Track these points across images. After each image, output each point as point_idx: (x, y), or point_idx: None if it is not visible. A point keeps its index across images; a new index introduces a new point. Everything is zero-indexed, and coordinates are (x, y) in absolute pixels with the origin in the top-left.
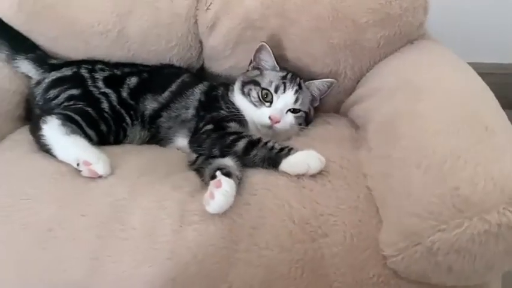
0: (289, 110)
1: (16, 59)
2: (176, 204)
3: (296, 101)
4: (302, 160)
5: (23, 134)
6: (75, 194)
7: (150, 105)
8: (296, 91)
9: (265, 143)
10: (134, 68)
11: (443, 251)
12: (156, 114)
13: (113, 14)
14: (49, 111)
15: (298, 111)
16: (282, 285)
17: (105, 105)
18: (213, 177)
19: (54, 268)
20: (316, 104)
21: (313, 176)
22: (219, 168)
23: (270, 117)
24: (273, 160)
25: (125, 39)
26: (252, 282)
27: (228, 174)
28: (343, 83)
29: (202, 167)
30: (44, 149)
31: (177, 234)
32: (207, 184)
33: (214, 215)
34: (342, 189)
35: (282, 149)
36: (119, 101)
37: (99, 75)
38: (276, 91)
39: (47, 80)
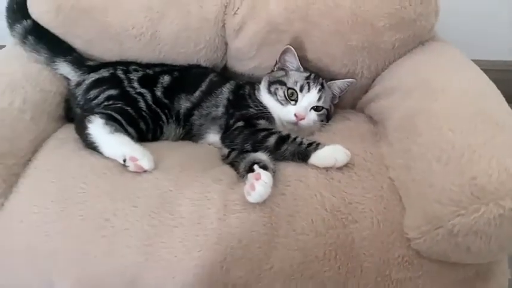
0: (313, 108)
1: (55, 62)
2: (218, 195)
3: (319, 99)
4: (330, 154)
5: (66, 133)
6: (125, 187)
7: (184, 104)
8: (319, 90)
9: (294, 139)
10: (164, 67)
11: (463, 233)
12: (189, 112)
13: (146, 19)
14: (90, 111)
15: (321, 109)
16: (317, 266)
17: (142, 104)
18: (250, 170)
19: (113, 254)
20: (335, 102)
21: (340, 168)
22: (256, 162)
23: (295, 115)
24: (302, 154)
25: (156, 41)
26: (291, 264)
27: (264, 167)
28: (360, 81)
29: (236, 161)
30: (91, 146)
31: (222, 222)
32: (242, 177)
33: (255, 205)
34: (367, 180)
35: (310, 144)
36: (153, 100)
37: (134, 76)
38: (301, 90)
39: (86, 81)
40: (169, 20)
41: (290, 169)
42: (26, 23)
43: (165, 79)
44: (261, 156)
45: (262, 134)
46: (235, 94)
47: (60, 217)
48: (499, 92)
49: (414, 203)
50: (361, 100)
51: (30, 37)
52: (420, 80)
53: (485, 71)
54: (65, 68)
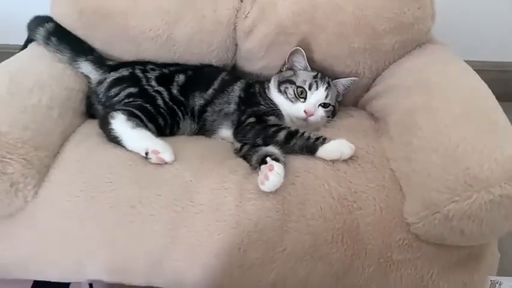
0: (320, 104)
1: (77, 61)
2: (235, 185)
3: (326, 96)
4: (336, 148)
5: (89, 127)
6: (149, 177)
7: (198, 101)
8: (326, 88)
9: (302, 134)
10: (179, 66)
11: (457, 217)
12: (203, 109)
13: (163, 22)
14: (112, 107)
15: (328, 106)
16: (326, 249)
17: (160, 101)
18: (263, 162)
19: (140, 238)
20: (340, 99)
21: (345, 160)
22: (268, 155)
23: (305, 111)
24: (310, 148)
25: (172, 43)
26: (302, 246)
27: (276, 159)
28: (361, 81)
29: (248, 154)
30: (114, 140)
31: (239, 208)
32: (254, 169)
33: (268, 193)
34: (370, 171)
35: (317, 139)
36: (170, 98)
37: (151, 75)
38: (309, 88)
39: (108, 80)
40: (185, 23)
41: (299, 161)
42: (48, 25)
43: (180, 78)
44: (273, 149)
45: (273, 129)
46: (246, 92)
47: (90, 204)
48: (489, 90)
49: (413, 191)
50: (362, 98)
51: (53, 38)
52: (418, 80)
53: (477, 71)
54: (86, 67)
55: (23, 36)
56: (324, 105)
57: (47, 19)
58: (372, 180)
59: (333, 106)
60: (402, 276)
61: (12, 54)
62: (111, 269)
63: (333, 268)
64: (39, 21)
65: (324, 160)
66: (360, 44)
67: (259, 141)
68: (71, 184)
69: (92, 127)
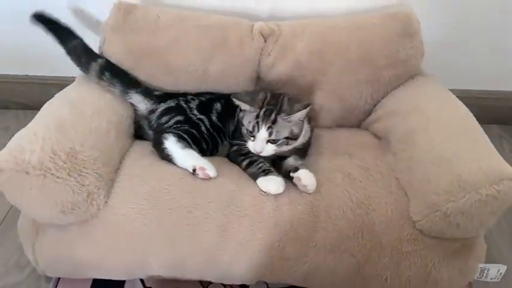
0: (269, 141)
1: (128, 93)
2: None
3: (270, 134)
4: (265, 183)
5: (140, 148)
6: (200, 188)
7: (231, 127)
8: (269, 127)
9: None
10: (212, 95)
11: (453, 214)
12: (233, 134)
13: (200, 58)
14: (162, 132)
15: (278, 141)
16: (349, 243)
17: (203, 128)
18: (288, 175)
19: (196, 237)
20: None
21: (359, 171)
22: (289, 170)
23: (254, 150)
24: (254, 175)
25: (206, 76)
26: (330, 241)
27: (296, 169)
28: (364, 106)
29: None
30: (166, 158)
31: (276, 211)
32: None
33: (299, 199)
34: (380, 180)
35: (263, 170)
36: (211, 125)
37: (193, 105)
38: (253, 130)
39: (159, 110)
40: (217, 60)
41: (321, 175)
42: (101, 60)
43: (217, 106)
44: (290, 161)
45: (241, 157)
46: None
47: (152, 211)
48: (470, 113)
49: (417, 195)
50: (365, 121)
51: (106, 73)
52: (413, 106)
53: (459, 98)
54: (137, 98)
55: (41, 67)
56: (273, 141)
57: (97, 55)
58: (382, 188)
59: (286, 138)
60: (410, 264)
61: (31, 84)
62: (171, 265)
63: (355, 259)
64: (91, 57)
65: (342, 172)
66: (363, 76)
67: (236, 161)
68: (134, 194)
69: (142, 148)
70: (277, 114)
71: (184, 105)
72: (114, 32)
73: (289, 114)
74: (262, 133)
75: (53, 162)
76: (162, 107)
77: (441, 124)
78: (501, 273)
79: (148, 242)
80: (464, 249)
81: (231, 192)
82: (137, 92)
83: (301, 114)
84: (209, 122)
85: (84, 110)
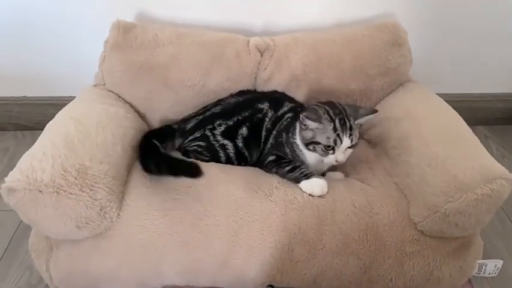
0: (348, 147)
1: (175, 143)
2: (279, 198)
3: (351, 141)
4: (309, 185)
5: None
6: (209, 196)
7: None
8: (350, 135)
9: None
10: (239, 116)
11: (452, 214)
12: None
13: (199, 73)
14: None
15: (355, 145)
16: (355, 245)
17: (231, 152)
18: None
19: (208, 244)
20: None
21: (359, 179)
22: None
23: (336, 161)
24: (296, 179)
25: (205, 90)
26: (336, 244)
27: (306, 175)
28: None
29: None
30: None
31: (285, 216)
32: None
33: (306, 204)
34: (379, 186)
35: (305, 175)
36: (236, 152)
37: (218, 131)
38: (335, 143)
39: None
40: (216, 73)
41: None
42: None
43: (244, 130)
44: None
45: (284, 164)
46: (275, 140)
47: (164, 220)
48: (459, 115)
49: (416, 198)
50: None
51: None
52: (405, 112)
53: (446, 101)
54: (178, 141)
55: (39, 88)
56: (351, 146)
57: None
58: (382, 192)
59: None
60: (414, 264)
61: (29, 105)
62: (185, 272)
63: (361, 261)
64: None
65: (344, 181)
66: (356, 86)
67: (273, 170)
68: (145, 205)
69: None
70: (349, 120)
71: (209, 133)
72: (114, 49)
73: (355, 118)
74: (346, 142)
75: (64, 179)
76: (189, 138)
77: (433, 128)
78: (498, 268)
79: (161, 251)
80: (463, 247)
81: (240, 199)
82: (177, 137)
83: (368, 118)
84: (234, 147)
85: (88, 125)
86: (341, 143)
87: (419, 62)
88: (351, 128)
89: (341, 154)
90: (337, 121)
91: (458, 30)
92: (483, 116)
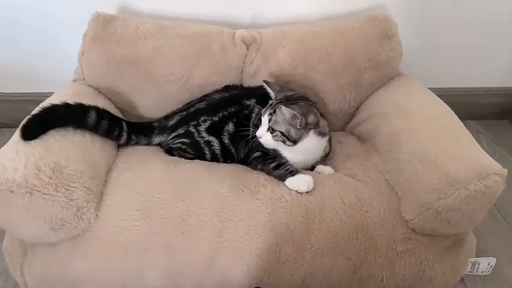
0: (268, 130)
1: (153, 140)
2: (265, 196)
3: (269, 121)
4: (295, 181)
5: (127, 158)
6: (193, 195)
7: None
8: (270, 114)
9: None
10: (225, 111)
11: (444, 211)
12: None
13: (182, 67)
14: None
15: (274, 131)
16: (344, 245)
17: (216, 148)
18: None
19: (192, 245)
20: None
21: (350, 176)
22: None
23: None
24: (281, 176)
25: (189, 84)
26: (325, 243)
27: (292, 172)
28: (348, 110)
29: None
30: None
31: (272, 215)
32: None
33: (293, 202)
34: (369, 183)
35: (291, 171)
36: (222, 148)
37: (202, 127)
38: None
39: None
40: (201, 67)
41: (314, 178)
42: (125, 126)
43: (230, 126)
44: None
45: (269, 160)
46: None
47: (145, 221)
48: (451, 110)
49: (407, 195)
50: (349, 124)
51: (133, 136)
52: (395, 107)
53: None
54: (159, 139)
55: (17, 84)
56: (272, 130)
57: (120, 121)
58: (372, 189)
59: (281, 132)
60: (405, 263)
61: (7, 102)
62: (167, 275)
63: (351, 261)
64: (117, 127)
65: (333, 177)
66: (346, 80)
67: (258, 166)
68: (125, 205)
69: (129, 157)
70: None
71: (193, 130)
72: (93, 42)
73: (285, 106)
74: (264, 119)
75: (38, 178)
76: (172, 135)
77: (424, 123)
78: (491, 266)
79: (143, 254)
80: (455, 245)
81: (225, 197)
82: (157, 134)
83: (288, 112)
84: (220, 144)
85: None
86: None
87: (410, 56)
88: (274, 111)
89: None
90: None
91: (449, 24)
92: (475, 111)
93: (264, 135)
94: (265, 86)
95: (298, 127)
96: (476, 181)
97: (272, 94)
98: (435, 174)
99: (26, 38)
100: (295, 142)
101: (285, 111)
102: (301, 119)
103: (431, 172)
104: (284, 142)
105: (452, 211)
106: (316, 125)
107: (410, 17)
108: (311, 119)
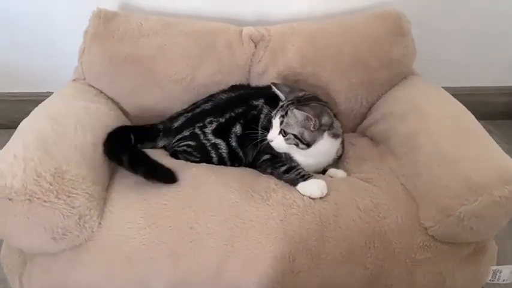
0: (280, 133)
1: (158, 143)
2: (277, 202)
3: (281, 123)
4: (308, 186)
5: None
6: (200, 201)
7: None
8: (281, 116)
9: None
10: (232, 112)
11: (467, 217)
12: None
13: (187, 66)
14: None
15: (286, 134)
16: (361, 254)
17: (223, 151)
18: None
19: (200, 254)
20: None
21: (364, 180)
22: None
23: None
24: (293, 181)
25: (194, 84)
26: (341, 252)
27: (303, 176)
28: (359, 110)
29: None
30: None
31: (284, 222)
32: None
33: (307, 208)
34: (385, 187)
35: (302, 176)
36: (229, 151)
37: (209, 129)
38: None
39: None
40: (206, 66)
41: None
42: (133, 138)
43: (237, 128)
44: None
45: (279, 164)
46: None
47: (151, 229)
48: (468, 111)
49: (426, 200)
50: (361, 125)
51: (138, 145)
52: (410, 107)
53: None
54: (162, 142)
55: (15, 84)
56: (284, 133)
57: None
58: (388, 194)
59: (294, 135)
60: (425, 272)
61: (4, 102)
62: (174, 285)
63: (368, 271)
64: (116, 151)
65: (347, 181)
66: (357, 79)
67: (268, 170)
68: (130, 213)
69: None
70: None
71: (199, 132)
72: (94, 40)
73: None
74: (276, 121)
75: (38, 185)
76: (177, 138)
77: (442, 124)
78: None
79: (148, 263)
80: (476, 253)
81: (234, 203)
82: (162, 137)
83: (300, 115)
84: (227, 146)
85: (66, 124)
86: (274, 118)
87: (421, 55)
88: (286, 113)
89: (271, 135)
90: (283, 105)
91: (458, 21)
92: (486, 110)
93: (275, 139)
94: (274, 88)
95: (312, 129)
96: (501, 186)
97: (282, 96)
98: (456, 179)
99: (25, 38)
100: (308, 145)
101: (297, 114)
102: (315, 120)
103: (452, 176)
104: (297, 145)
105: (475, 218)
106: (330, 126)
107: (420, 15)
108: (325, 120)
